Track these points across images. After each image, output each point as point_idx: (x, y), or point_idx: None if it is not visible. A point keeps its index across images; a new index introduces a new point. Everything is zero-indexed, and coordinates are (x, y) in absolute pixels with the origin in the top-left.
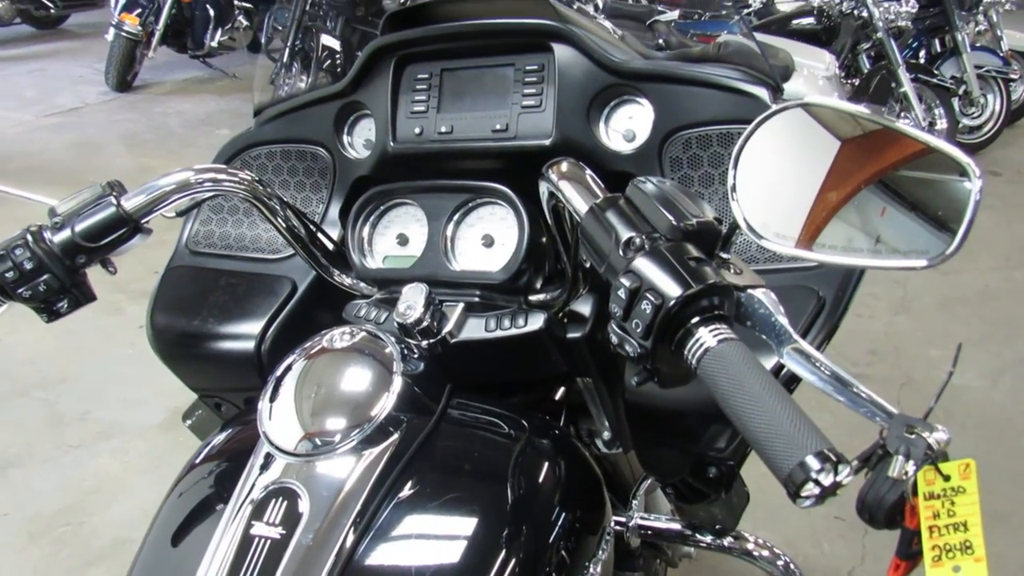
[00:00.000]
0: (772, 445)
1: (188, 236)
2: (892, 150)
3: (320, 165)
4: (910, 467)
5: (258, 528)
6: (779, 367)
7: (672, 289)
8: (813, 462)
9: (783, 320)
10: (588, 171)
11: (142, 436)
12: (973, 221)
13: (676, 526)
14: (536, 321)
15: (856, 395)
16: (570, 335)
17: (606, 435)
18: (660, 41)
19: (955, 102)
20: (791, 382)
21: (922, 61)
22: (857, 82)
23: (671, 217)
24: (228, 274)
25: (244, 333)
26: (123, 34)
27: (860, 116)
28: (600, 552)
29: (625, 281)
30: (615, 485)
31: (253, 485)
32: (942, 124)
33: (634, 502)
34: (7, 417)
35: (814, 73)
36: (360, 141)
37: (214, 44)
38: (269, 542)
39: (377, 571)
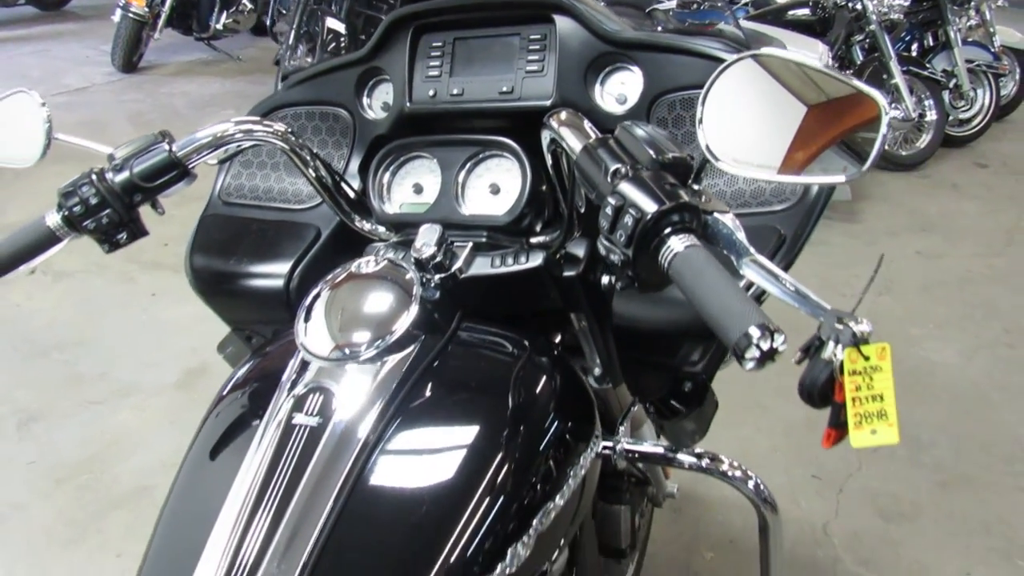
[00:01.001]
0: (724, 321)
1: (220, 188)
2: (832, 95)
3: (341, 125)
4: (839, 350)
5: (298, 419)
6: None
7: (649, 206)
8: (755, 331)
9: (742, 237)
10: (584, 118)
11: (159, 394)
12: (882, 147)
13: (659, 449)
14: (536, 259)
15: (799, 295)
16: (566, 273)
17: (597, 371)
18: (659, 28)
19: (945, 95)
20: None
21: (914, 54)
22: (850, 72)
23: (651, 152)
24: (258, 221)
25: (274, 272)
26: (130, 15)
27: (802, 65)
28: (589, 452)
29: (611, 200)
30: (604, 417)
31: (292, 386)
32: (932, 116)
33: (621, 428)
34: (28, 376)
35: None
36: (378, 103)
37: (219, 27)
38: (308, 429)
39: (397, 454)
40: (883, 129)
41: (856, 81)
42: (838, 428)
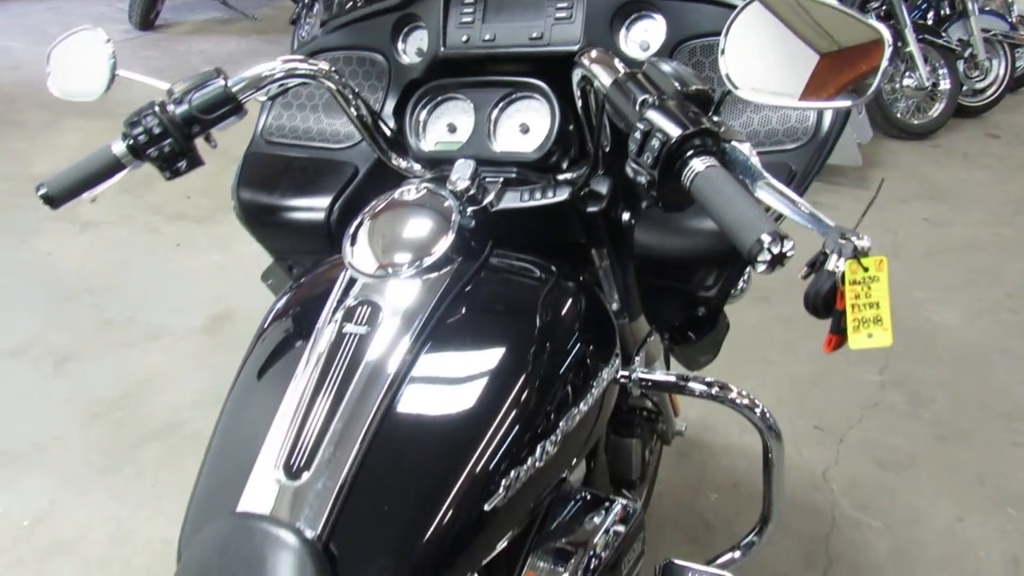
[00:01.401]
0: (740, 230)
1: (262, 128)
2: (840, 28)
3: (377, 69)
4: (841, 262)
5: (348, 328)
6: None
7: (674, 130)
8: (766, 237)
9: (756, 163)
10: (614, 55)
11: (186, 338)
12: (883, 78)
13: (671, 378)
14: (562, 194)
15: (806, 214)
16: (590, 209)
17: (615, 306)
18: None
19: (960, 65)
20: None
21: (930, 23)
22: None
23: (676, 84)
24: (299, 159)
25: (315, 206)
26: None
27: (804, 3)
28: (610, 367)
29: (640, 126)
30: (622, 349)
31: (341, 300)
32: (945, 85)
33: (636, 359)
34: (61, 320)
35: None
36: (413, 49)
37: None
38: (357, 336)
39: (437, 359)
40: (884, 62)
41: (861, 16)
42: (839, 334)
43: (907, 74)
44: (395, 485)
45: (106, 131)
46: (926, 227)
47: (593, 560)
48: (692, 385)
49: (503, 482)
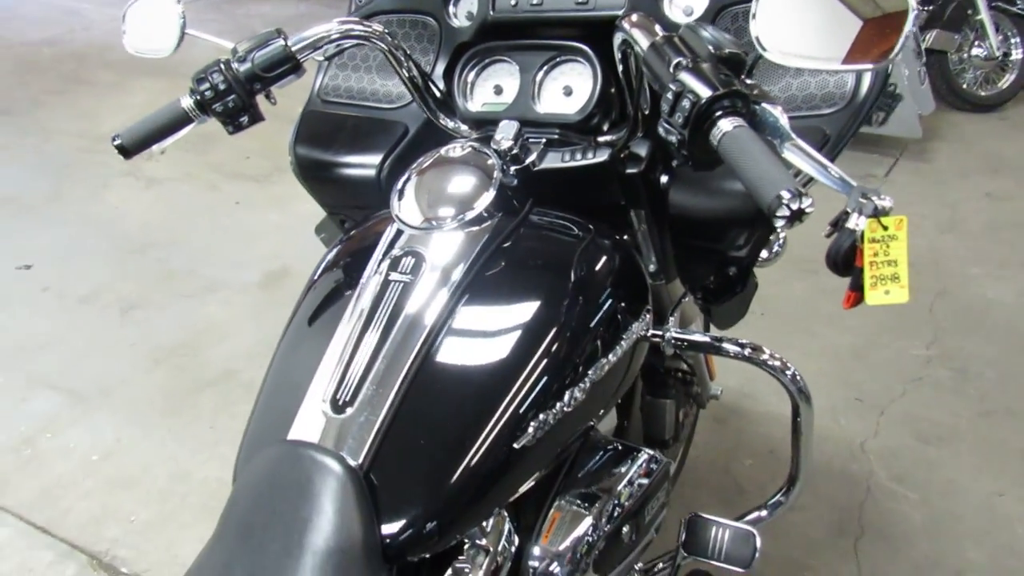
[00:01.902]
0: (761, 186)
1: (319, 88)
2: None
3: (428, 32)
4: (861, 220)
5: (394, 276)
6: None
7: (704, 91)
8: (786, 194)
9: (785, 125)
10: (653, 20)
11: (244, 291)
12: (904, 42)
13: (705, 338)
14: (602, 155)
15: (830, 174)
16: (629, 170)
17: (652, 267)
18: None
19: None
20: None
21: None
22: (932, 8)
23: (710, 47)
24: (353, 118)
25: (367, 163)
26: None
27: None
28: (640, 322)
29: (672, 87)
30: (656, 310)
31: (388, 250)
32: (1017, 55)
33: (671, 319)
34: (128, 270)
35: None
36: (463, 12)
37: None
38: (402, 284)
39: (475, 307)
40: (908, 26)
41: None
42: (857, 291)
43: (976, 43)
44: (432, 422)
45: (168, 90)
46: (987, 202)
47: (616, 506)
48: (725, 346)
49: (532, 424)
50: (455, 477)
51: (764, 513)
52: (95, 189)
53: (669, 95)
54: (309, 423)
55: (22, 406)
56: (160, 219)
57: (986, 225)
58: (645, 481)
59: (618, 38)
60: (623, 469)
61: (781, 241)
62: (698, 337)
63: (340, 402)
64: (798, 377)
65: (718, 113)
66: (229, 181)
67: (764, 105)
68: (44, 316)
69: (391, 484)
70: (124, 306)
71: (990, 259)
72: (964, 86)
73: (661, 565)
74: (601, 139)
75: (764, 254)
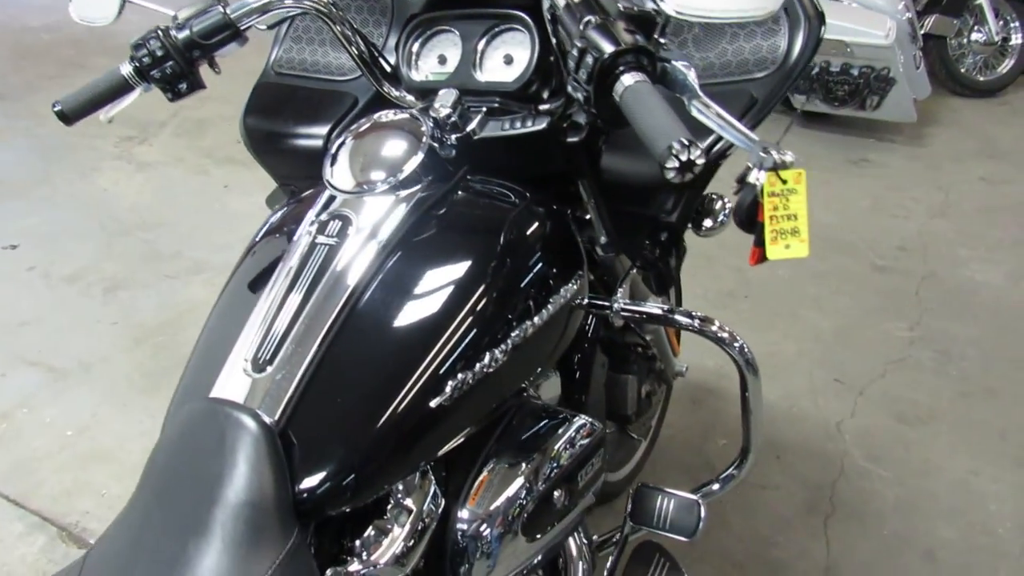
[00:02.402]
0: (655, 137)
1: (273, 60)
2: None
3: (381, 5)
4: (761, 175)
5: (320, 239)
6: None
7: (607, 47)
8: (676, 144)
9: (693, 82)
10: None
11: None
12: None
13: (655, 309)
14: (541, 123)
15: (736, 130)
16: (569, 139)
17: (603, 239)
18: None
19: None
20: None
21: None
22: None
23: (619, 5)
24: (304, 90)
25: (315, 133)
26: None
27: None
28: (571, 286)
29: (578, 43)
30: (610, 282)
31: (319, 215)
32: (1017, 39)
33: (620, 290)
34: (114, 251)
35: None
36: None
37: None
38: (327, 247)
39: (398, 270)
40: None
41: None
42: (760, 246)
43: (975, 28)
44: (349, 381)
45: None
46: (982, 186)
47: (548, 469)
48: (676, 317)
49: (450, 383)
50: (370, 434)
51: (716, 487)
52: (85, 172)
53: (575, 52)
54: (230, 382)
55: (1, 381)
56: (149, 202)
57: (979, 209)
58: (578, 446)
59: (546, 2)
60: (556, 434)
61: (727, 211)
62: (647, 308)
63: (260, 361)
64: (746, 349)
65: (620, 69)
66: (219, 165)
67: (674, 63)
68: (28, 295)
69: (306, 441)
70: (108, 286)
71: (981, 242)
72: (963, 71)
73: (617, 538)
74: (542, 108)
75: (708, 223)
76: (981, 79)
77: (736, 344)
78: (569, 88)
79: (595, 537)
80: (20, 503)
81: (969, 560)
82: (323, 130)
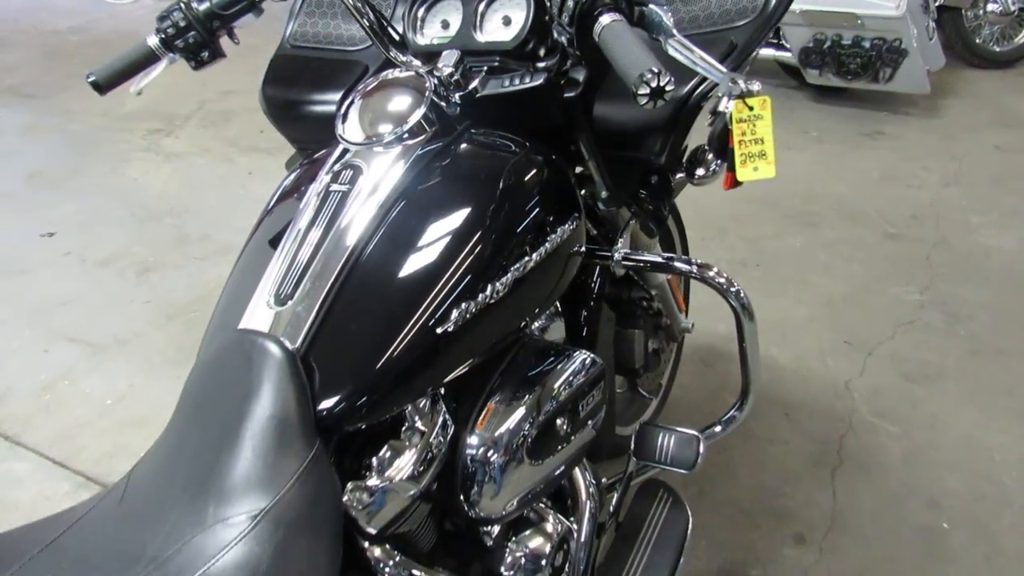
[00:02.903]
0: (628, 68)
1: (288, 35)
2: None
3: None
4: (730, 104)
5: (334, 187)
6: None
7: None
8: (647, 73)
9: (669, 23)
10: None
11: None
12: None
13: (655, 257)
14: (538, 79)
15: (705, 64)
16: (567, 94)
17: (604, 194)
18: None
19: None
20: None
21: None
22: None
23: None
24: (318, 60)
25: (329, 99)
26: None
27: None
28: (567, 226)
29: None
30: (611, 235)
31: (332, 166)
32: None
33: (620, 240)
34: (145, 236)
35: None
36: None
37: None
38: (341, 194)
39: (406, 212)
40: None
41: None
42: (732, 171)
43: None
44: (363, 310)
45: (186, 71)
46: (996, 154)
47: (550, 400)
48: (676, 264)
49: (455, 312)
50: (383, 359)
51: (719, 428)
52: (116, 164)
53: None
54: (256, 314)
55: (43, 357)
56: (176, 189)
57: (993, 177)
58: (580, 379)
59: None
60: (558, 368)
61: (718, 162)
62: (648, 256)
63: (282, 296)
64: (742, 294)
65: (599, 10)
66: (243, 154)
67: (650, 6)
68: (65, 278)
69: (325, 365)
70: (140, 268)
71: (994, 209)
72: (979, 42)
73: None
74: (539, 65)
75: (701, 171)
76: (997, 50)
77: (733, 289)
78: (555, 33)
79: (604, 480)
80: (65, 465)
81: (973, 508)
82: (336, 96)
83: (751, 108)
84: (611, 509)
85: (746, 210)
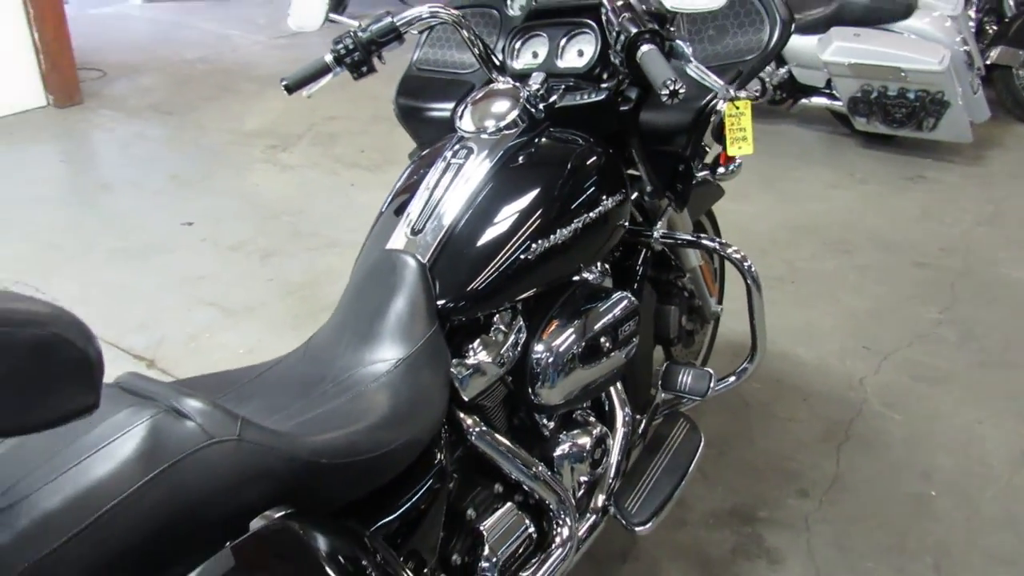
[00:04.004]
0: (657, 77)
1: (415, 60)
2: None
3: (491, 21)
4: (722, 104)
5: (452, 160)
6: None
7: (632, 29)
8: (668, 81)
9: (688, 53)
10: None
11: (354, 248)
12: None
13: (686, 235)
14: (602, 95)
15: (711, 80)
16: (623, 108)
17: (649, 188)
18: None
19: None
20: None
21: None
22: (998, 26)
23: (643, 6)
24: (436, 80)
25: (444, 108)
26: None
27: None
28: (617, 196)
29: (618, 29)
30: (653, 220)
31: (451, 147)
32: None
33: (659, 223)
34: (266, 229)
35: (939, 11)
36: (517, 5)
37: None
38: (457, 165)
39: (501, 178)
40: None
41: None
42: (725, 149)
43: None
44: (469, 241)
45: (299, 98)
46: None
47: (596, 323)
48: (703, 241)
49: (533, 245)
50: (481, 274)
51: (733, 378)
52: (240, 171)
53: (615, 34)
54: (398, 239)
55: (188, 315)
56: (291, 195)
57: None
58: (619, 311)
59: (604, 12)
60: (604, 302)
61: (737, 162)
62: (680, 235)
63: (416, 229)
64: (753, 269)
65: (640, 42)
66: (347, 169)
67: (678, 42)
68: (202, 259)
69: (443, 275)
70: (263, 254)
71: (1022, 247)
72: None
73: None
74: (603, 85)
75: (721, 169)
76: None
77: (746, 264)
78: (611, 57)
79: (638, 417)
80: None
81: (960, 481)
82: (449, 106)
83: (738, 108)
84: (640, 430)
85: (787, 236)
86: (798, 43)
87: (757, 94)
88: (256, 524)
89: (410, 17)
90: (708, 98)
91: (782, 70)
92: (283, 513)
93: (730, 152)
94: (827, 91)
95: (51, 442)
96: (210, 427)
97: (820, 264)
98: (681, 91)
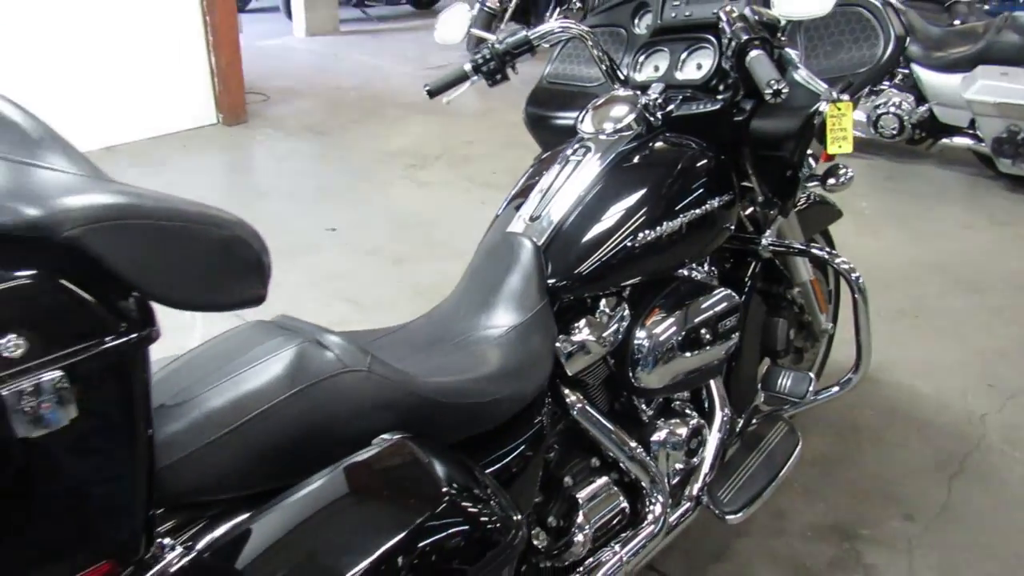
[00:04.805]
0: (763, 78)
1: (546, 74)
2: None
3: (619, 39)
4: (825, 105)
5: (572, 157)
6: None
7: (743, 36)
8: (773, 81)
9: (795, 59)
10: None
11: None
12: None
13: (796, 244)
14: (717, 105)
15: (814, 83)
16: (737, 118)
17: (760, 198)
18: (957, 22)
19: None
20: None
21: None
22: None
23: (756, 17)
24: (564, 92)
25: (568, 117)
26: (485, 9)
27: None
28: (723, 196)
29: (731, 37)
30: (763, 228)
31: (572, 146)
32: None
33: (768, 231)
34: (401, 237)
35: None
36: (643, 24)
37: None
38: (577, 162)
39: (616, 174)
40: None
41: None
42: (825, 148)
43: None
44: (581, 228)
45: (437, 122)
46: None
47: (697, 315)
48: (812, 250)
49: (640, 235)
50: (590, 258)
51: (836, 388)
52: (382, 186)
53: (727, 40)
54: (518, 224)
55: (327, 308)
56: (426, 208)
57: None
58: (720, 306)
59: (720, 23)
60: (706, 297)
61: (848, 174)
62: (788, 242)
63: (534, 217)
64: (860, 280)
65: (749, 47)
66: (479, 188)
67: (787, 50)
68: (343, 261)
69: (555, 256)
70: (397, 259)
71: None
72: None
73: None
74: (719, 96)
75: (832, 180)
76: None
77: (854, 275)
78: (724, 62)
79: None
80: None
81: None
82: (575, 115)
83: (839, 109)
84: (738, 430)
85: (915, 272)
86: (940, 81)
87: (895, 131)
88: (378, 441)
89: (543, 31)
90: (815, 106)
91: (922, 108)
92: (402, 436)
93: (830, 150)
94: (970, 131)
95: (216, 359)
96: (345, 358)
97: (948, 302)
98: (784, 91)
